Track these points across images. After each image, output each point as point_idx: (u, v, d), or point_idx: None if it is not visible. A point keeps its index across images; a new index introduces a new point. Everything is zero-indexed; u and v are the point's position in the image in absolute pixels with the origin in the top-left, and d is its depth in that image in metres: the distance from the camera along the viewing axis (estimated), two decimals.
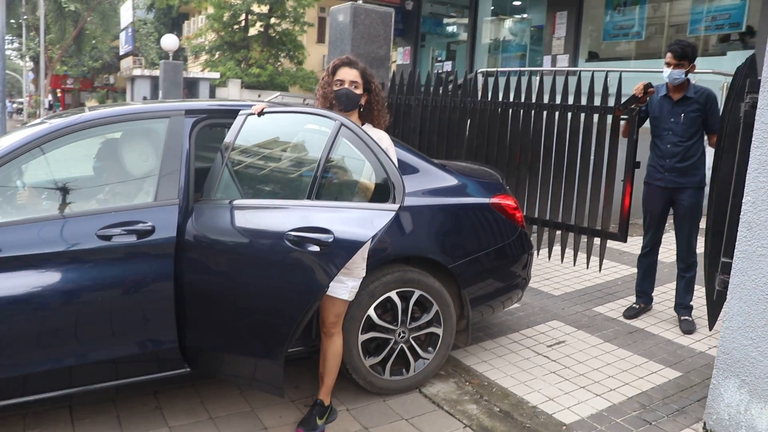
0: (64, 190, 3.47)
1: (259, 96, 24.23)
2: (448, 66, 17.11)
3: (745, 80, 3.50)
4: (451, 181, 4.05)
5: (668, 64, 4.57)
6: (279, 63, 30.82)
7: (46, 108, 35.66)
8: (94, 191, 3.51)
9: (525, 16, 15.41)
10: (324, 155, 3.00)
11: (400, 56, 18.93)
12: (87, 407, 3.61)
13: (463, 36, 17.18)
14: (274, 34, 30.29)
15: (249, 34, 30.56)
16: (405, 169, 3.87)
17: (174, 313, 3.21)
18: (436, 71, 16.50)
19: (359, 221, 2.81)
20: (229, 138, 3.34)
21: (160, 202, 3.29)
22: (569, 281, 5.88)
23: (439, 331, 3.87)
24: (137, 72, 24.77)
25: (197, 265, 3.19)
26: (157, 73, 23.17)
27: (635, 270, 5.20)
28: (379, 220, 2.75)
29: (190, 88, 24.69)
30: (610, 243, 5.36)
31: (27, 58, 46.82)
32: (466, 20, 16.81)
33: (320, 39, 33.43)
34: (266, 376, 3.11)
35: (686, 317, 4.79)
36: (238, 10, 28.86)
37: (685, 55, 4.53)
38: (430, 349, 3.89)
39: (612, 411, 3.63)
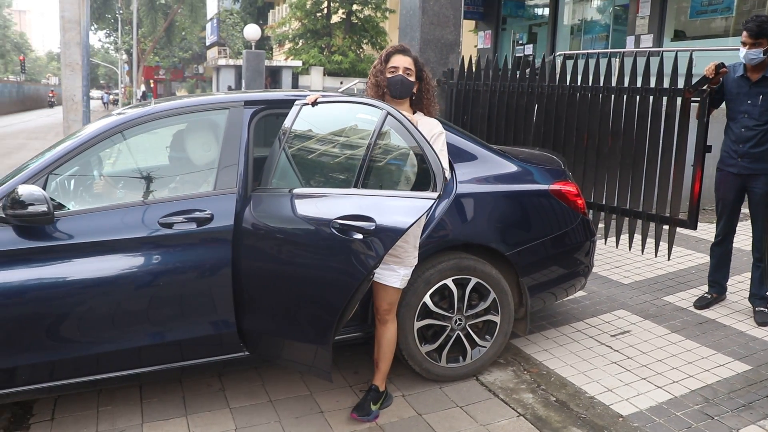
0: (130, 180, 3.66)
1: (341, 83, 24.48)
2: (529, 49, 16.78)
3: None
4: (510, 167, 4.02)
5: (744, 44, 4.32)
6: (361, 49, 31.01)
7: (139, 98, 37.17)
8: (159, 181, 3.68)
9: None
10: (370, 144, 3.03)
11: (480, 40, 18.70)
12: (155, 387, 3.79)
13: (545, 18, 16.80)
14: (356, 21, 30.49)
15: (331, 22, 30.86)
16: (463, 156, 3.88)
17: (232, 298, 3.33)
18: (516, 55, 16.24)
19: (400, 209, 2.84)
20: (284, 128, 3.42)
21: (219, 190, 3.41)
22: (640, 269, 5.71)
23: (497, 319, 3.86)
24: (222, 62, 25.48)
25: (253, 252, 3.29)
26: (241, 62, 23.79)
27: None
28: (418, 208, 2.77)
29: (274, 76, 25.16)
30: (685, 230, 5.18)
31: (122, 51, 48.89)
32: (548, 1, 16.43)
33: None
34: (315, 361, 3.19)
35: (761, 308, 4.58)
36: None
37: (762, 33, 4.25)
38: (487, 337, 3.88)
39: (672, 404, 3.53)
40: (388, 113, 3.04)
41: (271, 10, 41.59)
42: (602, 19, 15.30)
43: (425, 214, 2.79)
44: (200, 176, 3.63)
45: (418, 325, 3.67)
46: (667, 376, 3.83)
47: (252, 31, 20.94)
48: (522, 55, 15.70)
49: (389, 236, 2.82)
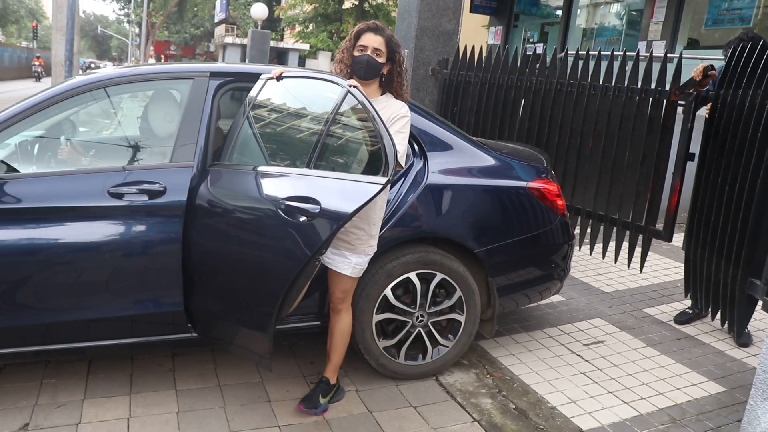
0: (84, 147, 3.48)
1: None
2: (539, 48, 16.52)
3: None
4: (487, 161, 3.82)
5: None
6: None
7: None
8: (114, 149, 3.50)
9: None
10: (327, 122, 2.84)
11: (491, 36, 18.46)
12: (104, 363, 3.65)
13: (558, 18, 16.55)
14: (368, 8, 30.17)
15: (343, 7, 30.56)
16: (437, 144, 3.70)
17: (180, 276, 3.15)
18: (527, 53, 15.93)
19: (346, 193, 2.65)
20: (246, 101, 3.24)
21: (174, 163, 3.23)
22: (624, 278, 5.52)
23: (461, 318, 3.68)
24: (228, 39, 25.20)
25: (203, 229, 3.11)
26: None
27: None
28: (365, 192, 2.58)
29: (280, 58, 24.88)
30: (678, 240, 4.96)
31: (134, 24, 48.64)
32: (561, 1, 16.16)
33: None
34: (256, 348, 3.01)
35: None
36: None
37: None
38: (450, 336, 3.71)
39: (637, 422, 3.35)
40: (348, 91, 2.85)
41: None
42: (616, 22, 15.04)
43: (371, 200, 2.60)
44: (158, 147, 3.45)
45: (377, 318, 3.50)
46: (635, 392, 3.64)
47: (259, 11, 20.67)
48: (532, 52, 15.45)
49: (332, 221, 2.64)
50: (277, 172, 2.96)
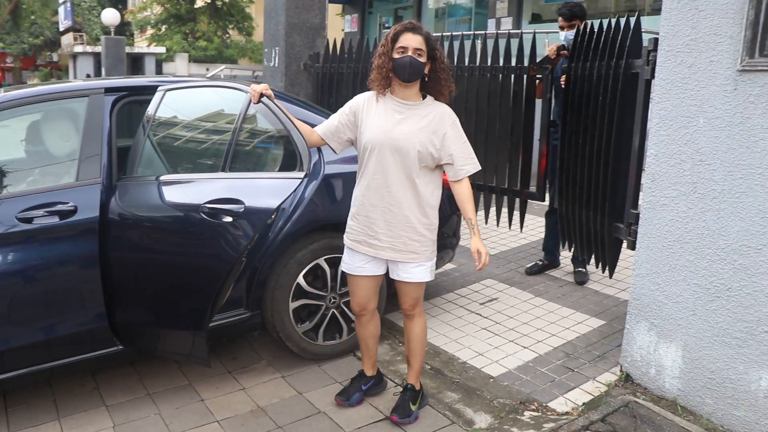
0: None
1: (207, 70, 23.83)
2: None
3: (625, 40, 3.75)
4: None
5: (561, 28, 4.79)
6: (227, 35, 30.23)
7: None
8: (15, 174, 3.49)
9: None
10: (236, 127, 3.02)
11: (347, 24, 18.77)
12: (23, 392, 3.60)
13: (410, 1, 17.08)
14: (221, 5, 29.67)
15: (195, 6, 29.89)
16: None
17: (102, 292, 3.23)
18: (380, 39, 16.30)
19: (267, 190, 2.85)
20: (147, 115, 3.35)
21: (81, 181, 3.29)
22: (507, 240, 6.03)
23: None
24: (79, 48, 24.01)
25: (122, 243, 3.21)
26: (100, 49, 22.59)
27: None
28: (285, 188, 2.80)
29: (136, 63, 23.97)
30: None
31: None
32: None
33: None
34: (193, 350, 3.16)
35: (580, 268, 5.02)
36: None
37: (574, 16, 4.76)
38: None
39: (538, 361, 3.79)
40: (251, 98, 3.03)
41: None
42: (465, 2, 15.74)
43: (292, 194, 2.81)
44: (60, 167, 3.47)
45: (293, 306, 3.71)
46: (532, 337, 4.09)
47: (110, 16, 20.00)
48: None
49: (258, 217, 2.84)
50: (194, 179, 3.10)
